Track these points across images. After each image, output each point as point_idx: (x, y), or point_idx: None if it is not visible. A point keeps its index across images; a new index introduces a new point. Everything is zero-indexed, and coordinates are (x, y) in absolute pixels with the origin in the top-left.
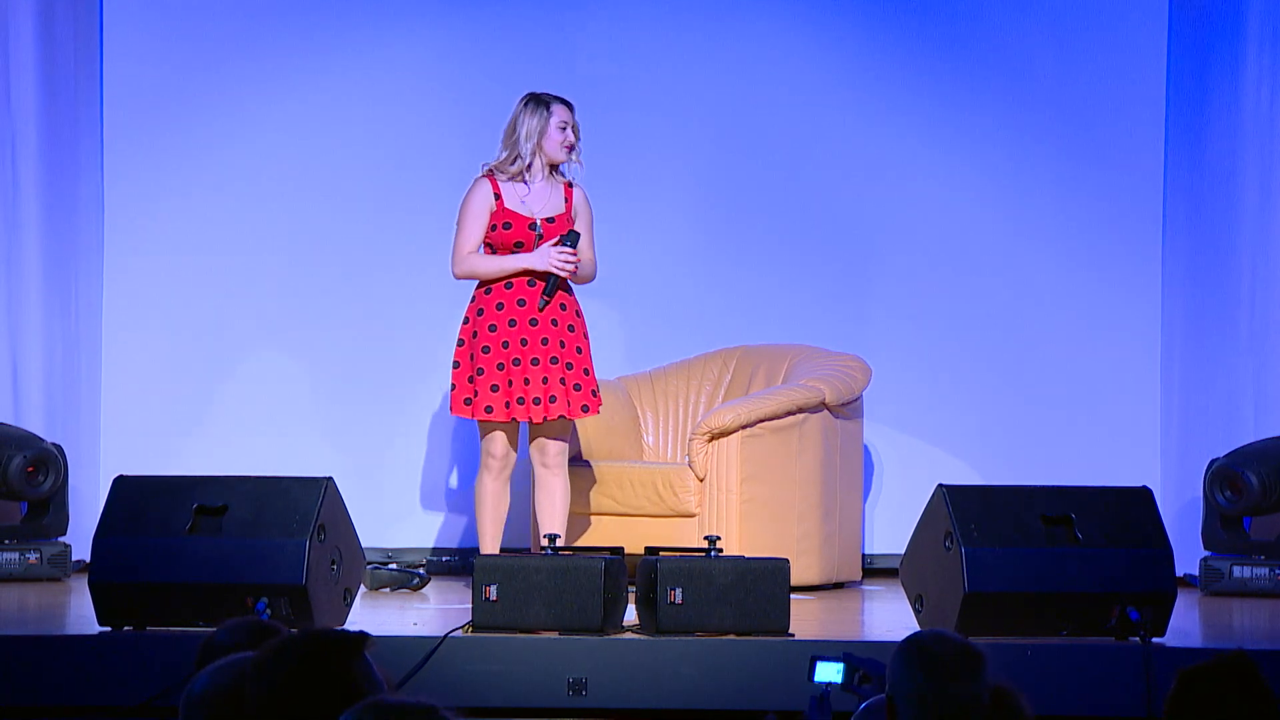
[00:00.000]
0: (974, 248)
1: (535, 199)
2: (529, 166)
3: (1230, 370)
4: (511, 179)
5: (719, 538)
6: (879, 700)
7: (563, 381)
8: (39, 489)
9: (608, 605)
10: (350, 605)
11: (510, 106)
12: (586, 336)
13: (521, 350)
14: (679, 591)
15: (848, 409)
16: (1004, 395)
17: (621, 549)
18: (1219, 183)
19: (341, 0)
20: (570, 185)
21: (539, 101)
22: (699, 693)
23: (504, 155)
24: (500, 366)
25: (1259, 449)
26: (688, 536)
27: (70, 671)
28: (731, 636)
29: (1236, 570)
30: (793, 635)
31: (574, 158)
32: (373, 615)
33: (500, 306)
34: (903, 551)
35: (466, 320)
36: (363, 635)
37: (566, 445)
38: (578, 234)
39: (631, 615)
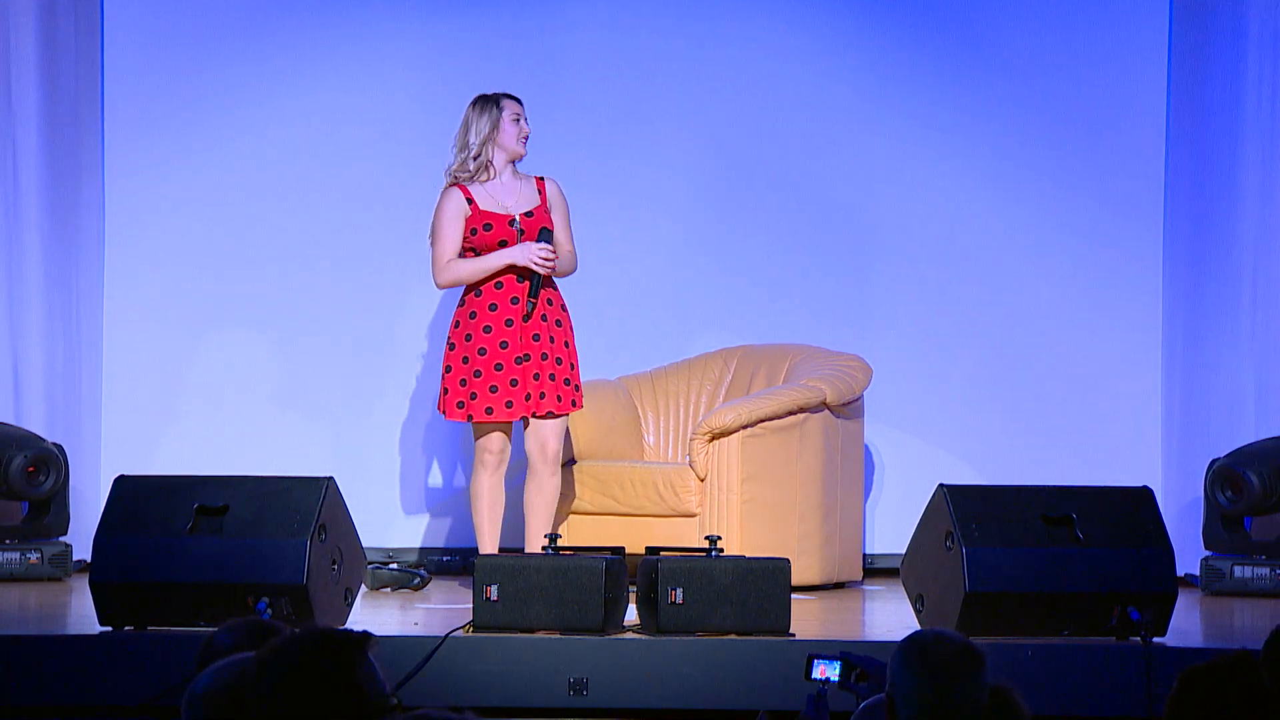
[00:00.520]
0: (975, 248)
1: (508, 196)
2: (489, 165)
3: (1231, 370)
4: (478, 182)
5: (720, 538)
6: (878, 700)
7: (551, 377)
8: (40, 489)
9: (608, 605)
10: (351, 605)
11: None
12: (572, 330)
13: (521, 348)
14: (680, 591)
15: (848, 409)
16: (1005, 395)
17: (622, 549)
18: (1220, 183)
19: (341, 3)
20: (542, 179)
21: (487, 100)
22: (700, 693)
23: (460, 159)
24: (499, 367)
25: (1260, 449)
26: (688, 536)
27: (71, 671)
28: (732, 636)
29: (1237, 570)
30: (794, 635)
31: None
32: (373, 615)
33: (493, 307)
34: (903, 551)
35: (457, 324)
36: (365, 635)
37: (562, 444)
38: (550, 231)
39: (632, 615)
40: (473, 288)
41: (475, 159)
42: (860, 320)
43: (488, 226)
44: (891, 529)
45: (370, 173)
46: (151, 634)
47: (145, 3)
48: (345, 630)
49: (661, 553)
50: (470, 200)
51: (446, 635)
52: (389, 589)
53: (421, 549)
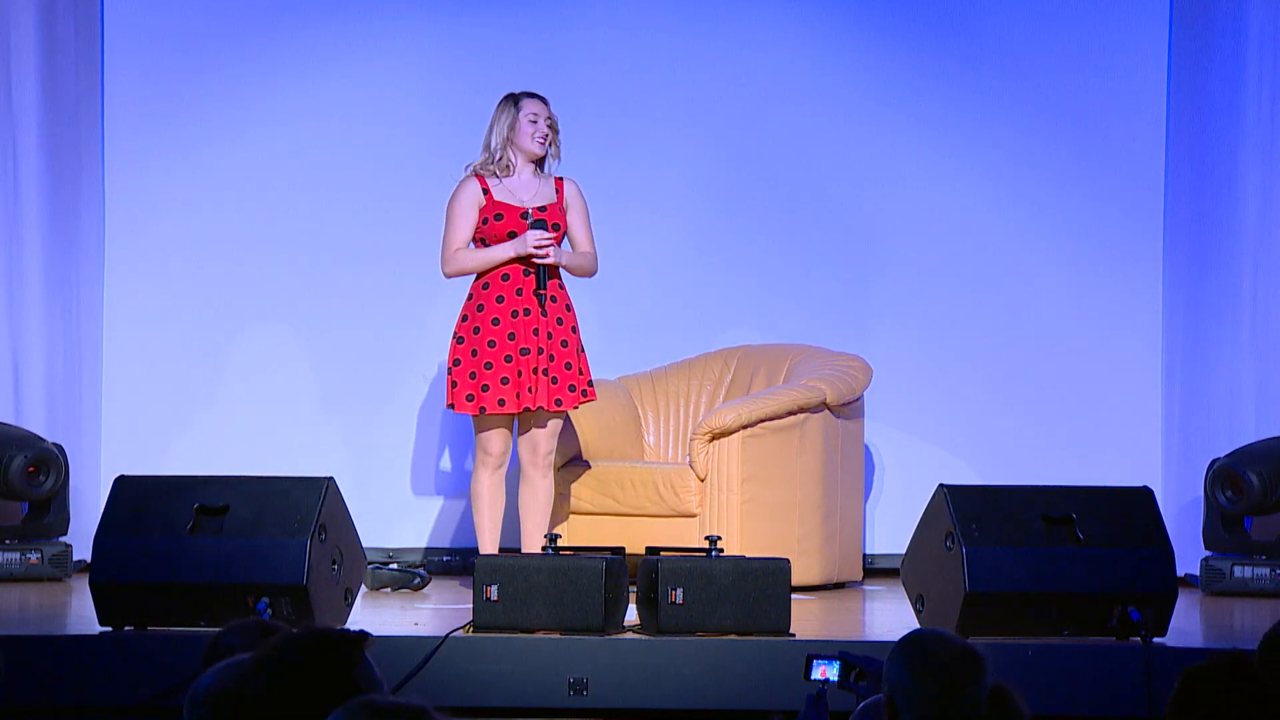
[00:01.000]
0: (975, 248)
1: (524, 191)
2: (510, 164)
3: (1231, 370)
4: (499, 175)
5: (720, 538)
6: (877, 699)
7: (545, 373)
8: (40, 489)
9: (609, 605)
10: (351, 605)
11: None
12: (575, 331)
13: (522, 341)
14: (680, 591)
15: (849, 409)
16: (1005, 395)
17: (622, 549)
18: (1220, 183)
19: (341, 2)
20: (561, 179)
21: (510, 99)
22: (700, 693)
23: (484, 157)
24: (509, 359)
25: (1260, 449)
26: (689, 536)
27: (71, 671)
28: (732, 636)
29: (1237, 570)
30: (794, 635)
31: (551, 151)
32: (374, 615)
33: (500, 299)
34: (904, 551)
35: (465, 318)
36: (363, 634)
37: (554, 444)
38: (544, 221)
39: (632, 615)
40: (480, 281)
41: (496, 160)
42: (860, 320)
43: (499, 216)
44: (891, 529)
45: (372, 170)
46: (151, 634)
47: (145, 3)
48: (342, 630)
49: (661, 553)
50: (486, 191)
51: (446, 635)
52: (389, 589)
53: (422, 549)
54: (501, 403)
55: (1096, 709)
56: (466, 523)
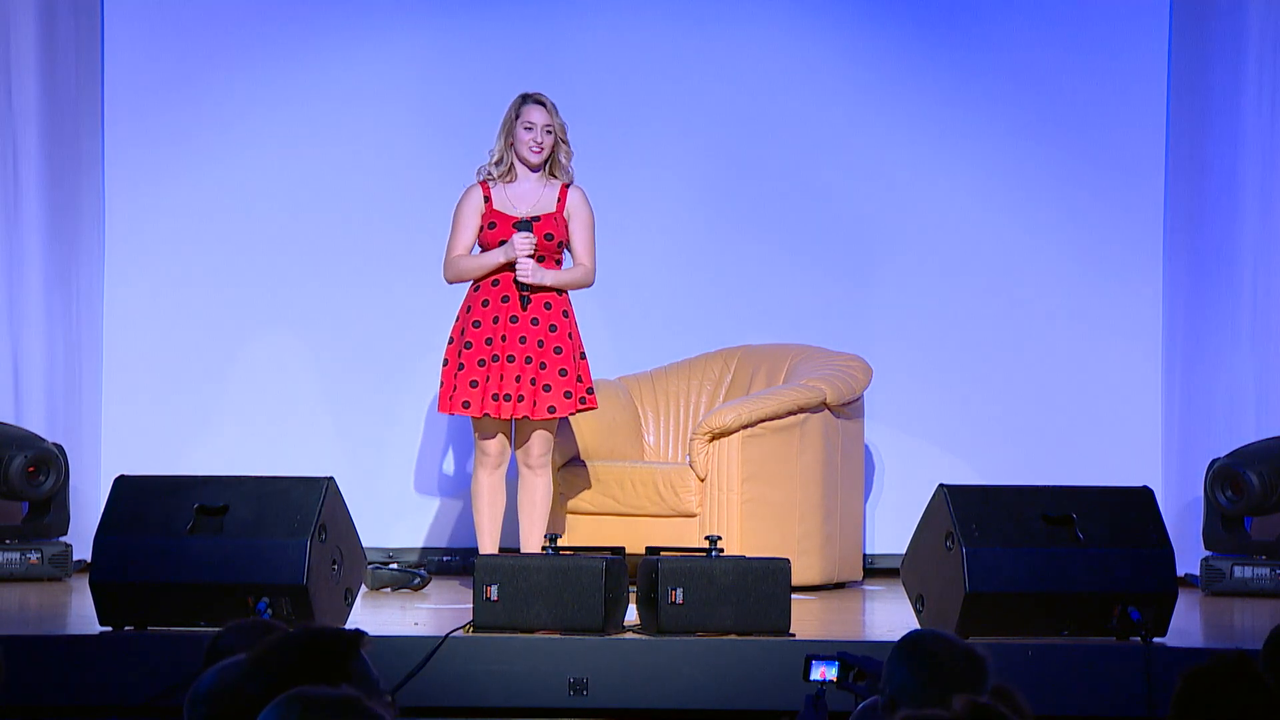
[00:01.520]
0: (975, 248)
1: (523, 199)
2: (513, 169)
3: (1231, 370)
4: (502, 181)
5: (720, 538)
6: (876, 700)
7: (532, 382)
8: (40, 489)
9: (609, 605)
10: (351, 605)
11: (504, 111)
12: (571, 337)
13: (501, 347)
14: (680, 591)
15: (849, 409)
16: (1005, 395)
17: (622, 549)
18: (1220, 183)
19: (342, 3)
20: (568, 185)
21: (516, 102)
22: (700, 693)
23: (491, 160)
24: (481, 363)
25: (1260, 449)
26: (689, 536)
27: (71, 671)
28: (732, 636)
29: (1238, 570)
30: (794, 635)
31: (561, 158)
32: (374, 615)
33: (486, 304)
34: (904, 551)
35: (457, 318)
36: (359, 633)
37: (548, 447)
38: (529, 223)
39: (632, 615)
40: (475, 284)
41: (498, 164)
42: (860, 320)
43: (493, 225)
44: (891, 529)
45: (370, 172)
46: (151, 634)
47: (145, 3)
48: (339, 629)
49: (661, 553)
50: (487, 199)
51: (446, 635)
52: (389, 589)
53: (422, 549)
54: (466, 405)
55: (1096, 709)
56: (466, 523)
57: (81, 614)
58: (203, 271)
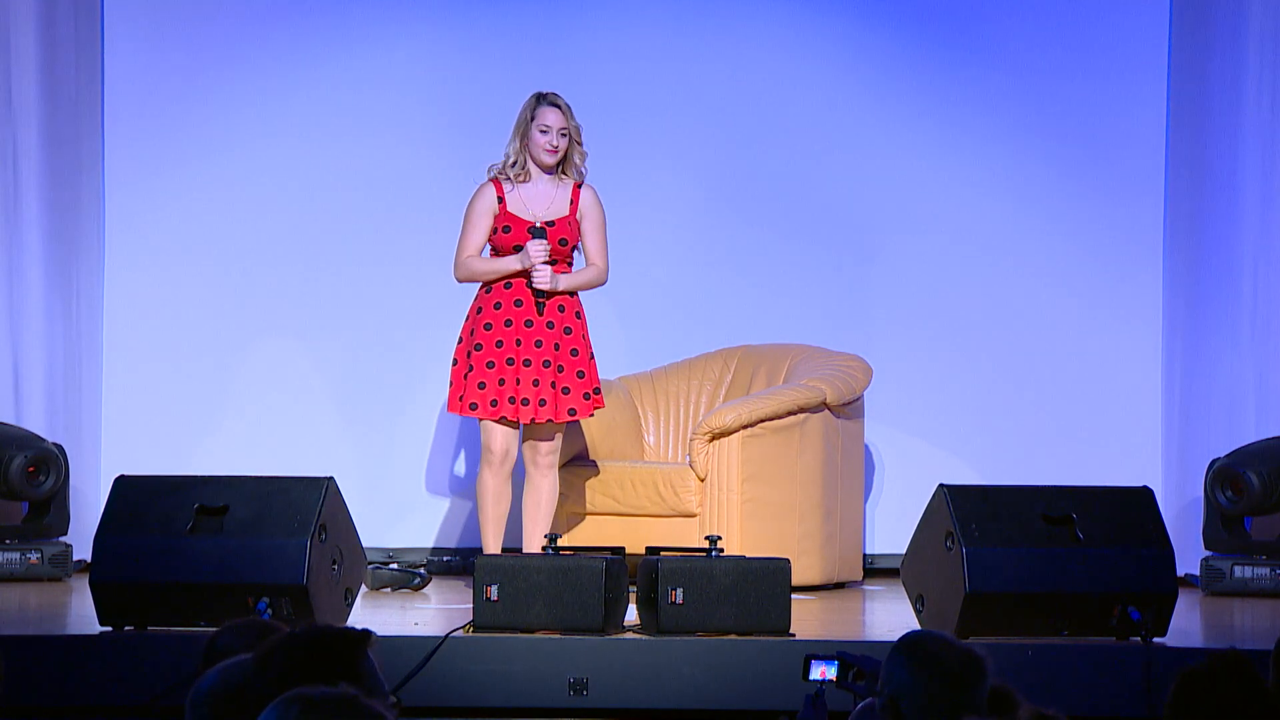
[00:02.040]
0: (975, 248)
1: (538, 201)
2: (527, 170)
3: (1231, 370)
4: (515, 181)
5: (720, 538)
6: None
7: (552, 385)
8: (40, 489)
9: (609, 605)
10: (351, 605)
11: (510, 107)
12: (585, 338)
13: (515, 351)
14: (680, 591)
15: (849, 409)
16: (1005, 395)
17: (622, 549)
18: (1220, 182)
19: (343, 3)
20: (579, 185)
21: (531, 102)
22: (700, 693)
23: (504, 159)
24: (490, 365)
25: (1260, 449)
26: (689, 536)
27: (71, 671)
28: (733, 636)
29: (1238, 570)
30: (794, 635)
31: (575, 158)
32: (374, 615)
33: (498, 306)
34: (904, 551)
35: (467, 318)
36: (365, 632)
37: (557, 446)
38: (543, 230)
39: (632, 615)
40: (486, 285)
41: (513, 165)
42: (860, 320)
43: (507, 229)
44: (891, 529)
45: (372, 171)
46: (152, 634)
47: (145, 3)
48: (344, 628)
49: (661, 553)
50: (501, 199)
51: (447, 635)
52: (389, 589)
53: (423, 549)
54: (473, 406)
55: (1096, 709)
56: (467, 523)
57: (81, 614)
58: (203, 271)
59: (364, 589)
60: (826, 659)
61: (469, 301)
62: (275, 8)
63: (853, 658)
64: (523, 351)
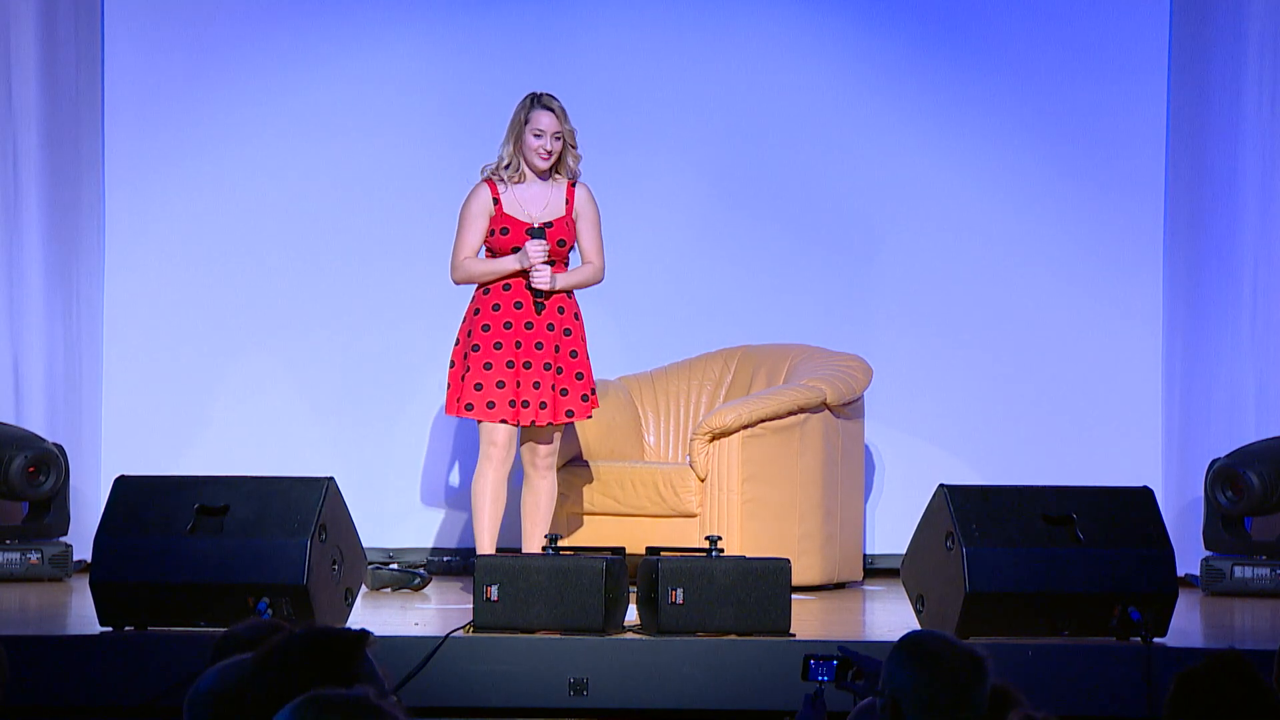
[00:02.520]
0: (975, 248)
1: (534, 202)
2: (521, 171)
3: (1231, 370)
4: (509, 182)
5: (720, 538)
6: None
7: (552, 387)
8: (40, 489)
9: (609, 605)
10: (351, 605)
11: (507, 107)
12: (584, 339)
13: (515, 353)
14: (680, 592)
15: (849, 409)
16: (1005, 395)
17: (623, 549)
18: (1220, 183)
19: (343, 2)
20: (574, 184)
21: (526, 103)
22: (700, 693)
23: (497, 160)
24: (488, 366)
25: (1260, 449)
26: (689, 536)
27: (71, 672)
28: (733, 637)
29: (1238, 570)
30: (794, 635)
31: (569, 160)
32: (374, 615)
33: (496, 308)
34: (904, 551)
35: (464, 320)
36: (364, 633)
37: (556, 448)
38: (543, 230)
39: (633, 615)
40: (483, 288)
41: (507, 167)
42: (860, 320)
43: (505, 230)
44: (891, 529)
45: (371, 173)
46: (152, 634)
47: (145, 3)
48: (344, 629)
49: (662, 553)
50: (496, 200)
51: (447, 635)
52: (389, 589)
53: (421, 549)
54: (469, 408)
55: (1096, 709)
56: (467, 523)
57: (81, 614)
58: (203, 271)
59: (364, 589)
60: (826, 659)
61: (466, 302)
62: (275, 7)
63: (854, 654)
64: (523, 354)
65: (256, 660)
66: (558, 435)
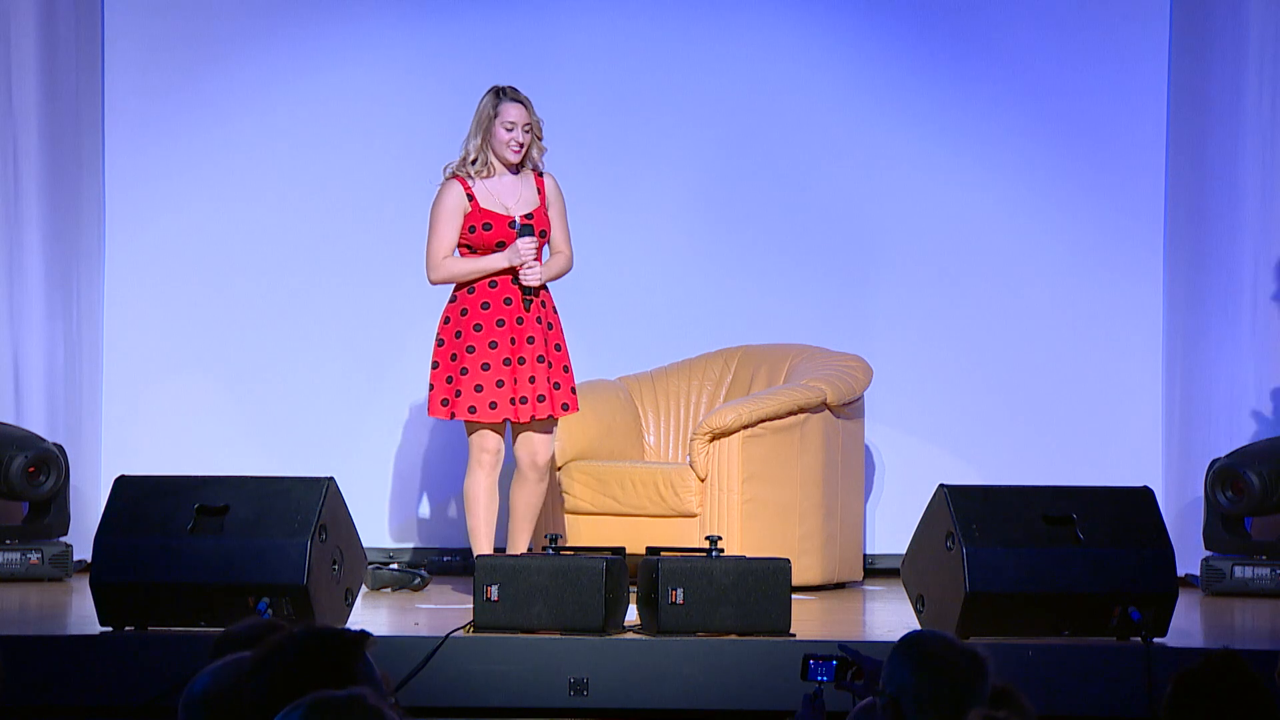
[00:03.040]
0: (975, 248)
1: (507, 195)
2: (489, 166)
3: (1231, 370)
4: (478, 177)
5: (720, 538)
6: (869, 701)
7: (547, 380)
8: (40, 489)
9: (609, 605)
10: (351, 605)
11: None
12: (562, 333)
13: (511, 350)
14: (680, 591)
15: (849, 409)
16: (1005, 395)
17: (623, 549)
18: (1220, 182)
19: (343, 4)
20: (540, 174)
21: (492, 97)
22: (700, 693)
23: (461, 156)
24: (486, 367)
25: (1260, 449)
26: (689, 536)
27: (72, 672)
28: (733, 637)
29: (1238, 570)
30: (794, 635)
31: (534, 154)
32: (374, 615)
33: (486, 306)
34: (904, 551)
35: (448, 320)
36: (362, 633)
37: (553, 442)
38: (530, 225)
39: (633, 615)
40: (466, 285)
41: (473, 162)
42: (860, 320)
43: (487, 226)
44: (892, 529)
45: (371, 173)
46: (152, 634)
47: (145, 3)
48: (342, 629)
49: (662, 553)
50: (471, 196)
51: (447, 635)
52: (389, 589)
53: (421, 549)
54: (472, 410)
55: (1096, 709)
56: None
57: (81, 614)
58: (203, 271)
59: (364, 589)
60: (825, 659)
61: (445, 301)
62: (276, 8)
63: (852, 652)
64: (517, 350)
65: (254, 661)
66: (554, 429)
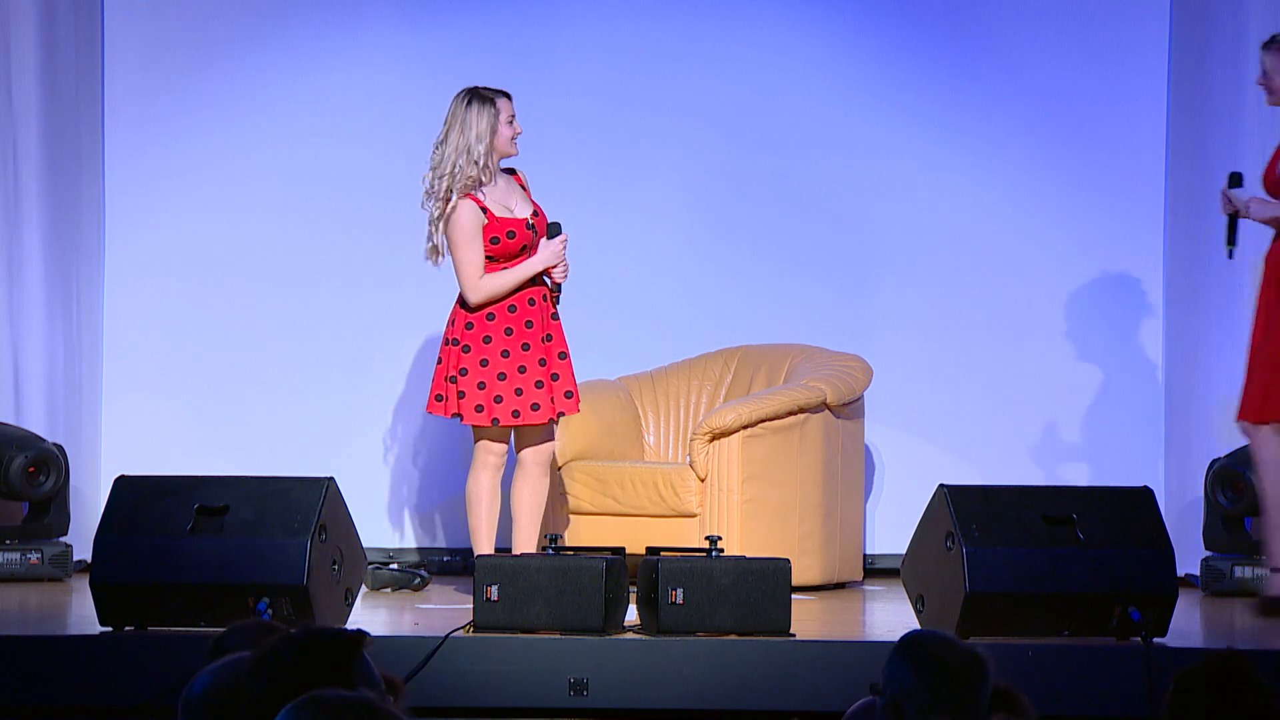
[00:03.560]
0: (976, 247)
1: (509, 198)
2: (491, 170)
3: (1232, 370)
4: (481, 186)
5: (720, 538)
6: (869, 702)
7: (561, 378)
8: (40, 489)
9: (609, 605)
10: (351, 605)
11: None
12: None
13: (545, 349)
14: (680, 592)
15: (849, 409)
16: (1005, 395)
17: (623, 549)
18: (1220, 182)
19: (343, 4)
20: (515, 172)
21: (483, 99)
22: (700, 693)
23: (459, 165)
24: (523, 369)
25: None
26: (689, 536)
27: (72, 672)
28: (733, 637)
29: (1238, 570)
30: (794, 635)
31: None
32: (374, 615)
33: (513, 310)
34: (904, 551)
35: (470, 325)
36: (361, 634)
37: (553, 444)
38: (558, 224)
39: (633, 615)
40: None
41: (478, 164)
42: (860, 320)
43: (510, 234)
44: (891, 529)
45: (372, 174)
46: (152, 634)
47: (145, 3)
48: (340, 629)
49: (662, 553)
50: (485, 210)
51: (447, 635)
52: (389, 589)
53: (421, 549)
54: (516, 414)
55: (1096, 709)
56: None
57: (81, 614)
58: (203, 271)
59: (364, 589)
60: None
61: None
62: (276, 8)
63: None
64: (540, 349)
65: (252, 661)
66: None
